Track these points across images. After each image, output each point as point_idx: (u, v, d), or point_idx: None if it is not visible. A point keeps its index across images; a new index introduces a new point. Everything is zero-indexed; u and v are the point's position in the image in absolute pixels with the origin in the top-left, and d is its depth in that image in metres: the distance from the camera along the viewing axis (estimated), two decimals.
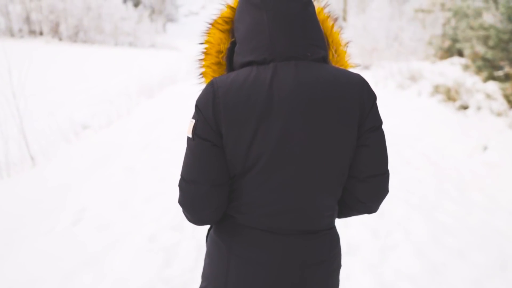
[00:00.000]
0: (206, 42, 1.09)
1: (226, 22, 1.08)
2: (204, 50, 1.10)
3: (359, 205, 1.06)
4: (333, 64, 1.10)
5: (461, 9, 15.48)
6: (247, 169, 0.95)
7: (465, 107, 6.76)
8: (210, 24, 1.09)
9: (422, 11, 18.95)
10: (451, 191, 3.96)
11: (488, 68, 9.60)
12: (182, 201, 1.02)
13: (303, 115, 0.93)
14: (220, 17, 1.09)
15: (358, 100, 0.96)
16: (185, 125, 6.62)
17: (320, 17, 1.10)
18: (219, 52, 1.09)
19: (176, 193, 3.70)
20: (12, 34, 37.77)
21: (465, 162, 4.81)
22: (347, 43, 1.14)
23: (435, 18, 17.41)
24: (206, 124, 0.95)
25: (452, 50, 15.67)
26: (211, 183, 0.97)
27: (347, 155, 0.98)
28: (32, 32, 39.77)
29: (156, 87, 13.52)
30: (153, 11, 51.11)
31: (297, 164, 0.95)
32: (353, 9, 35.96)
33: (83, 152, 5.40)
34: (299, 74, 0.94)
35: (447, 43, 14.96)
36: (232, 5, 1.08)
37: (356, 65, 1.17)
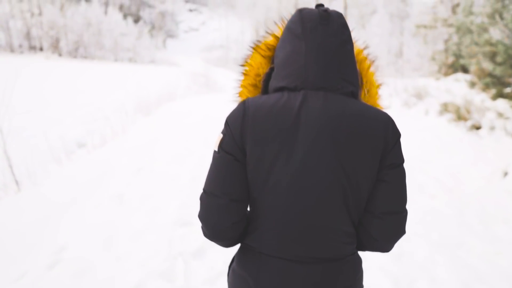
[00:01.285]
0: (247, 64, 1.15)
1: (269, 49, 1.14)
2: (244, 72, 1.16)
3: (372, 242, 1.04)
4: (364, 101, 1.13)
5: (464, 24, 15.28)
6: (267, 192, 0.98)
7: (477, 127, 6.40)
8: (253, 48, 1.15)
9: (424, 27, 18.77)
10: (473, 224, 3.57)
11: (497, 85, 9.29)
12: (201, 214, 1.03)
13: (327, 145, 0.95)
14: (263, 43, 1.15)
15: (383, 136, 0.98)
16: (185, 145, 6.30)
17: (358, 57, 1.14)
18: (257, 75, 1.14)
19: (169, 228, 3.31)
20: (12, 50, 37.78)
21: (485, 189, 4.43)
22: (380, 85, 1.18)
23: (437, 34, 17.21)
24: (232, 139, 0.99)
25: (455, 66, 15.42)
26: (229, 197, 0.99)
27: (366, 187, 0.99)
28: (32, 48, 39.86)
29: (154, 104, 13.22)
30: (153, 27, 51.25)
31: (318, 192, 0.96)
32: (353, 25, 36.05)
33: (72, 175, 5.03)
34: (327, 105, 0.97)
35: (450, 59, 14.71)
36: (277, 35, 1.14)
37: (386, 107, 1.17)
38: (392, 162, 1.00)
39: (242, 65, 1.16)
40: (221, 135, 1.01)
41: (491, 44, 10.68)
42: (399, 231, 1.03)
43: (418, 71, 17.35)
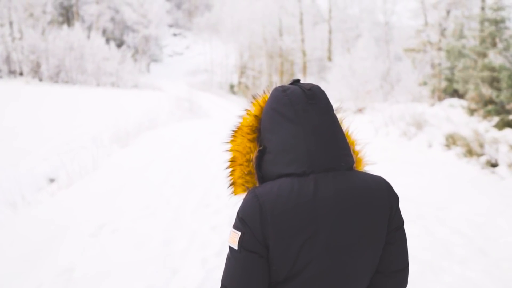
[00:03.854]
0: (234, 151, 1.11)
1: (253, 131, 1.12)
2: (233, 160, 1.12)
3: None
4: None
5: (454, 48, 14.89)
6: (291, 277, 0.99)
7: (493, 165, 5.68)
8: (234, 131, 1.13)
9: (412, 50, 18.43)
10: None
11: (500, 113, 8.67)
12: None
13: (346, 225, 0.98)
14: (246, 126, 1.12)
15: (388, 205, 1.03)
16: (161, 190, 5.34)
17: None
18: (249, 161, 1.10)
19: None
20: None
21: None
22: (365, 144, 1.20)
23: (428, 57, 16.81)
24: (253, 237, 0.97)
25: (448, 91, 14.95)
26: None
27: (379, 254, 1.04)
28: (12, 72, 38.82)
29: (133, 132, 12.31)
30: (136, 51, 50.57)
31: (342, 270, 0.99)
32: (338, 49, 35.93)
33: (19, 234, 4.09)
34: (338, 185, 0.99)
35: (443, 84, 14.22)
36: (255, 113, 1.12)
37: (372, 163, 1.19)
38: (397, 225, 1.05)
39: (227, 151, 1.13)
40: (238, 233, 0.99)
41: (490, 69, 10.16)
42: (405, 284, 1.09)
43: (407, 95, 16.86)
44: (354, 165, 1.11)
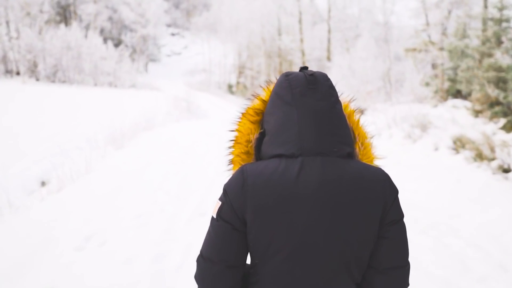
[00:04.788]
0: (237, 130, 1.15)
1: (257, 114, 1.15)
2: (234, 139, 1.15)
3: None
4: (360, 156, 1.12)
5: (457, 48, 14.61)
6: (268, 257, 0.99)
7: (505, 170, 5.39)
8: (241, 113, 1.16)
9: (414, 50, 18.14)
10: None
11: (508, 114, 8.39)
12: (197, 277, 1.05)
13: (327, 210, 0.96)
14: (251, 108, 1.15)
15: (382, 197, 0.99)
16: (154, 197, 5.01)
17: (346, 111, 1.14)
18: (248, 141, 1.13)
19: None
20: None
21: None
22: (372, 136, 1.18)
23: (429, 57, 16.52)
24: (231, 208, 1.00)
25: (451, 91, 14.67)
26: (225, 264, 1.01)
27: (368, 247, 1.00)
28: (8, 72, 38.49)
29: (129, 133, 11.99)
30: (134, 51, 50.11)
31: (320, 256, 0.97)
32: (337, 49, 35.63)
33: (1, 246, 3.79)
34: (324, 170, 0.98)
35: (446, 85, 13.93)
36: (264, 98, 1.15)
37: (382, 157, 1.17)
38: (392, 219, 1.01)
39: (231, 131, 1.15)
40: (220, 202, 1.02)
41: (496, 69, 9.87)
42: (404, 284, 1.04)
43: (408, 96, 16.58)
44: (358, 156, 1.11)
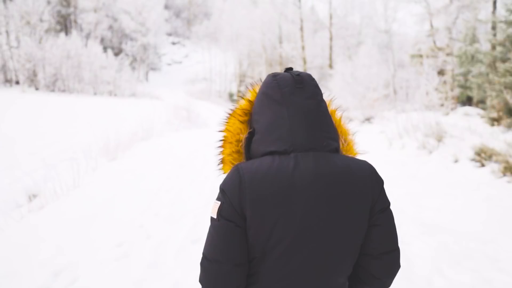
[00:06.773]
0: (226, 131, 1.17)
1: (245, 114, 1.18)
2: (224, 139, 1.17)
3: (375, 281, 1.08)
4: (344, 151, 1.18)
5: (467, 53, 14.00)
6: (266, 252, 1.00)
7: None
8: (229, 114, 1.18)
9: (420, 56, 17.57)
10: None
11: None
12: (203, 280, 1.04)
13: (323, 201, 0.99)
14: (239, 109, 1.18)
15: (370, 188, 1.04)
16: (141, 219, 4.33)
17: (329, 110, 1.18)
18: (238, 141, 1.16)
19: None
20: None
21: None
22: (354, 133, 1.23)
23: (437, 63, 15.91)
24: (231, 206, 1.01)
25: (461, 98, 14.05)
26: (233, 262, 1.01)
27: (360, 236, 1.04)
28: (8, 81, 38.15)
29: (125, 143, 11.42)
30: (135, 60, 49.78)
31: (317, 248, 1.00)
32: (339, 56, 35.11)
33: None
34: (317, 164, 1.01)
35: (456, 91, 13.31)
36: (250, 99, 1.19)
37: (363, 152, 1.22)
38: (381, 207, 1.05)
39: (220, 131, 1.17)
40: (218, 203, 1.02)
41: None
42: (397, 266, 1.08)
43: (416, 103, 15.97)
44: (343, 152, 1.17)
